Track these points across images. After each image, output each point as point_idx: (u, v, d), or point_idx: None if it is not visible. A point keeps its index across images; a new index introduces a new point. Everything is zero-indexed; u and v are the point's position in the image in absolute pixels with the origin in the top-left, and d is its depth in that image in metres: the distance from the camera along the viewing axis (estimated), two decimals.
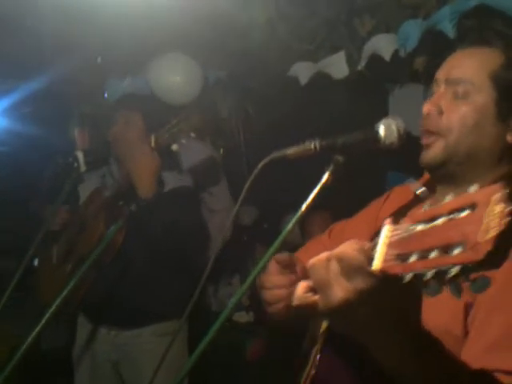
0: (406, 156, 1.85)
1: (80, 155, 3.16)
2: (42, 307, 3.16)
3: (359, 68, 3.23)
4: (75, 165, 3.15)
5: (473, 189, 0.93)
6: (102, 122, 3.50)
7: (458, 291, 0.95)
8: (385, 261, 1.02)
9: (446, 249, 0.91)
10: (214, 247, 3.47)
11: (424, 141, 1.62)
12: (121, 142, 3.18)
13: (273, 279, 1.61)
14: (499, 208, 0.87)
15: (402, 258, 0.99)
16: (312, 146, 1.64)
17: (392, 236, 1.04)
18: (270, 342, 4.00)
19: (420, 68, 2.99)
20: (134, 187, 3.00)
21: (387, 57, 3.06)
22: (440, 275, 0.92)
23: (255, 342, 4.20)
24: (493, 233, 0.86)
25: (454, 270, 0.90)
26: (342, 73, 3.34)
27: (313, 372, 1.53)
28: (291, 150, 1.64)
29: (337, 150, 1.65)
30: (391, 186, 1.97)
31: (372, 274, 1.03)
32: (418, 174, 1.84)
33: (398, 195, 1.82)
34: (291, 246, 1.81)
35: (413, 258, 0.96)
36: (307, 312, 1.18)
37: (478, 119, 1.53)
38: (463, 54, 1.61)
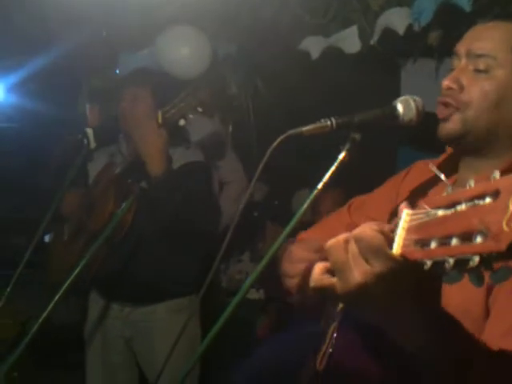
0: (417, 131, 1.82)
1: (90, 132, 3.14)
2: (53, 284, 3.18)
3: (372, 43, 3.19)
4: (85, 142, 3.12)
5: (496, 175, 0.90)
6: (113, 98, 3.46)
7: (478, 280, 0.92)
8: (404, 246, 1.00)
9: (467, 236, 0.89)
10: (226, 221, 3.48)
11: (441, 113, 1.58)
12: (129, 119, 3.16)
13: (295, 253, 1.63)
14: None
15: (422, 243, 0.96)
16: (329, 123, 1.62)
17: (411, 220, 1.01)
18: (280, 318, 4.01)
19: (434, 43, 2.94)
20: (143, 164, 2.98)
21: (401, 31, 3.01)
22: (461, 263, 0.89)
23: (265, 319, 4.21)
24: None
25: (476, 259, 0.87)
26: (354, 47, 3.29)
27: (329, 350, 1.52)
28: (307, 128, 1.61)
29: (353, 128, 1.63)
30: (402, 161, 1.94)
31: (392, 258, 1.01)
32: (429, 150, 1.81)
33: (418, 171, 1.78)
34: (300, 224, 1.79)
35: (433, 245, 0.94)
36: (323, 294, 1.17)
37: (499, 95, 1.50)
38: (485, 27, 1.58)
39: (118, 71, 4.47)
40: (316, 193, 1.63)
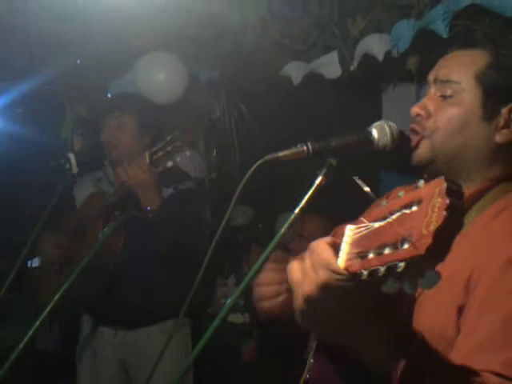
0: (398, 155, 1.85)
1: (72, 157, 3.17)
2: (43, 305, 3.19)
3: (352, 68, 3.23)
4: (67, 166, 3.14)
5: (420, 184, 0.96)
6: (97, 126, 3.49)
7: (410, 287, 0.97)
8: (347, 259, 1.06)
9: (396, 245, 0.95)
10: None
11: (411, 140, 1.63)
12: (115, 147, 3.22)
13: (265, 276, 1.65)
14: (440, 201, 0.91)
15: (362, 255, 1.02)
16: (304, 148, 1.64)
17: (354, 235, 1.08)
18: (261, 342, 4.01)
19: (413, 68, 2.99)
20: (134, 197, 3.02)
21: (380, 57, 3.05)
22: (391, 271, 0.95)
23: (251, 343, 4.21)
24: (433, 227, 0.90)
25: (402, 265, 0.93)
26: (334, 73, 3.33)
27: (307, 376, 1.55)
28: (283, 153, 1.64)
29: (329, 153, 1.66)
30: (384, 185, 1.97)
31: (336, 269, 1.06)
32: (410, 173, 1.84)
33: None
34: (284, 247, 1.82)
35: (370, 255, 1.00)
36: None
37: (463, 119, 1.53)
38: (452, 55, 1.62)
39: (109, 95, 4.49)
40: (294, 217, 1.65)
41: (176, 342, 3.20)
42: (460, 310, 1.36)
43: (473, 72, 1.54)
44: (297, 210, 1.65)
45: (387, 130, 1.66)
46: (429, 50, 2.77)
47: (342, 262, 1.07)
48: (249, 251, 4.79)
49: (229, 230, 4.39)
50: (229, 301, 1.77)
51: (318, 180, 1.65)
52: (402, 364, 1.14)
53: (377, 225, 1.02)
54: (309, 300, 1.09)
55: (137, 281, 3.22)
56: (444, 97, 1.56)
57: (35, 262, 3.71)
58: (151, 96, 3.79)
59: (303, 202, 1.65)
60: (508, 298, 1.31)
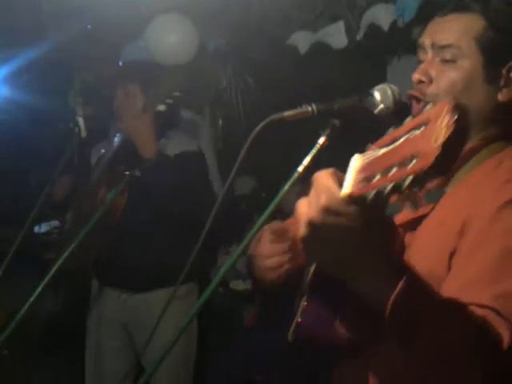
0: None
1: (81, 121, 3.19)
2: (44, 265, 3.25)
3: (358, 38, 3.25)
4: (76, 130, 3.18)
5: (428, 107, 1.01)
6: (105, 91, 3.52)
7: (415, 205, 1.02)
8: (353, 185, 1.09)
9: (403, 164, 0.99)
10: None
11: (413, 107, 1.63)
12: (123, 115, 3.24)
13: (266, 248, 1.70)
14: (447, 118, 0.97)
15: (368, 179, 1.06)
16: (309, 109, 1.69)
17: (361, 162, 1.11)
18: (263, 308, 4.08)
19: (418, 38, 3.00)
20: (135, 152, 3.05)
21: (385, 27, 3.08)
22: (397, 188, 0.99)
23: (252, 309, 4.28)
24: (441, 139, 0.95)
25: (408, 180, 0.98)
26: (341, 43, 3.36)
27: (298, 320, 1.59)
28: (289, 113, 1.68)
29: (333, 114, 1.70)
30: None
31: (337, 194, 1.10)
32: None
33: None
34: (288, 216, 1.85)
35: (376, 178, 1.04)
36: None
37: (466, 82, 1.55)
38: (446, 19, 1.62)
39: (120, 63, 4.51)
40: (296, 176, 1.70)
41: (180, 307, 3.16)
42: (451, 256, 1.41)
43: (471, 35, 1.56)
44: (300, 169, 1.69)
45: (389, 92, 1.69)
46: None
47: (348, 187, 1.10)
48: (252, 221, 4.83)
49: (232, 199, 4.43)
50: (225, 264, 1.79)
51: (322, 140, 1.69)
52: (393, 296, 1.18)
53: (383, 150, 1.07)
54: (311, 226, 1.12)
55: (139, 242, 3.24)
56: (445, 61, 1.57)
57: (43, 228, 3.76)
58: (161, 57, 3.81)
59: (306, 161, 1.69)
60: (503, 236, 1.36)
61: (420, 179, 0.98)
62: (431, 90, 1.58)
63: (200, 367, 3.63)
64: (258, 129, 1.70)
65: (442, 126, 0.97)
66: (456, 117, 0.97)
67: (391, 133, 1.10)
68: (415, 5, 2.85)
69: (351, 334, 1.47)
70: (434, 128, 0.98)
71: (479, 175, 1.51)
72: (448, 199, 1.51)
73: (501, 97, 1.57)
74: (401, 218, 1.52)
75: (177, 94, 3.07)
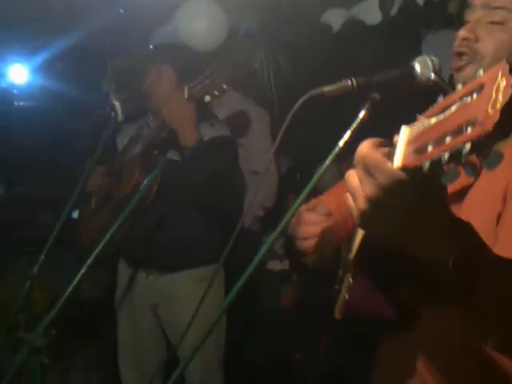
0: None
1: (117, 105, 3.21)
2: (83, 248, 3.28)
3: (392, 14, 3.21)
4: (113, 114, 3.20)
5: (480, 72, 0.98)
6: (137, 76, 3.54)
7: (472, 171, 0.99)
8: (404, 157, 1.06)
9: (458, 131, 0.96)
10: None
11: (455, 64, 1.60)
12: (155, 94, 3.27)
13: (308, 216, 1.69)
14: (504, 82, 0.93)
15: (420, 150, 1.02)
16: (349, 83, 1.67)
17: (410, 134, 1.08)
18: (302, 287, 4.08)
19: (454, 11, 2.96)
20: (171, 136, 3.06)
21: (420, 1, 3.03)
22: (455, 156, 0.96)
23: (289, 289, 4.28)
24: (499, 105, 0.91)
25: (467, 147, 0.94)
26: (375, 19, 3.32)
27: (346, 297, 1.57)
28: (329, 88, 1.67)
29: (373, 87, 1.68)
30: None
31: (391, 169, 1.06)
32: None
33: None
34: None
35: (429, 148, 1.00)
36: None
37: None
38: None
39: (151, 47, 4.52)
40: (337, 151, 1.68)
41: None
42: (498, 218, 1.39)
43: None
44: (341, 143, 1.68)
45: (429, 63, 1.67)
46: None
47: (399, 160, 1.07)
48: (287, 202, 4.82)
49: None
50: (264, 246, 1.78)
51: (362, 114, 1.68)
52: (455, 254, 1.16)
53: (434, 120, 1.03)
54: (370, 203, 1.10)
55: (170, 224, 3.26)
56: (493, 22, 1.54)
57: (75, 214, 3.80)
58: (191, 42, 3.82)
59: (347, 135, 1.68)
60: None
61: (478, 146, 0.95)
62: (477, 47, 1.55)
63: (238, 348, 3.65)
64: (297, 105, 1.69)
65: (498, 90, 0.93)
66: (510, 80, 0.94)
67: (441, 102, 1.06)
68: None
69: (403, 305, 1.46)
70: (489, 93, 0.95)
71: None
72: (499, 168, 1.48)
73: None
74: (457, 187, 1.51)
75: (225, 87, 3.04)
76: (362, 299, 1.53)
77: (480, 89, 0.97)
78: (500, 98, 0.92)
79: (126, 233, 3.09)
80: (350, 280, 1.58)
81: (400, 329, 1.54)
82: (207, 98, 3.01)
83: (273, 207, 4.17)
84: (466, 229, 1.19)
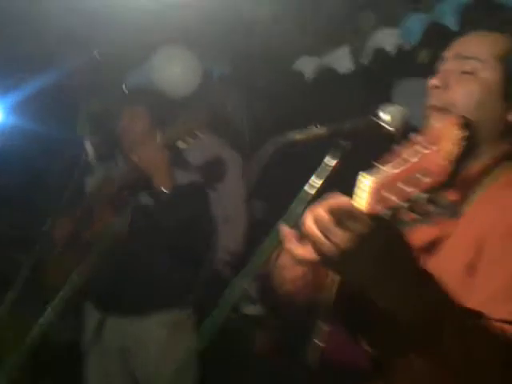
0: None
1: (88, 144, 3.23)
2: (50, 287, 3.24)
3: (365, 62, 3.27)
4: (84, 155, 3.21)
5: (437, 125, 1.05)
6: (111, 118, 3.56)
7: (428, 219, 1.05)
8: (368, 205, 1.11)
9: (418, 180, 1.04)
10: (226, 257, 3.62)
11: (431, 117, 1.62)
12: (127, 136, 3.29)
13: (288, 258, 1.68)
14: (457, 134, 1.03)
15: (383, 198, 1.09)
16: (320, 130, 1.70)
17: (372, 182, 1.13)
18: (278, 333, 4.06)
19: (425, 61, 3.03)
20: (144, 179, 3.07)
21: (392, 51, 3.10)
22: (415, 205, 1.04)
23: (264, 334, 4.25)
24: (453, 156, 1.01)
25: (424, 197, 1.02)
26: (346, 67, 3.38)
27: (321, 344, 1.59)
28: (299, 135, 1.70)
29: (343, 135, 1.70)
30: None
31: (367, 216, 1.11)
32: None
33: None
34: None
35: (393, 197, 1.07)
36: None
37: (483, 95, 1.56)
38: (476, 35, 1.65)
39: (124, 87, 4.54)
40: (305, 196, 1.70)
41: (177, 333, 3.23)
42: (469, 268, 1.43)
43: (496, 52, 1.57)
44: (312, 191, 1.69)
45: (398, 114, 1.70)
46: (440, 43, 2.82)
47: (367, 208, 1.12)
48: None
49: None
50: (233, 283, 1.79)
51: (333, 163, 1.69)
52: (421, 306, 1.20)
53: (393, 168, 1.10)
54: (344, 251, 1.13)
55: (140, 268, 3.24)
56: (464, 72, 1.58)
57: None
58: (166, 88, 3.86)
59: (318, 183, 1.69)
60: None
61: (433, 195, 1.02)
62: (447, 96, 1.59)
63: None
64: (268, 152, 1.71)
65: (451, 142, 1.01)
66: (465, 134, 1.00)
67: (399, 151, 1.12)
68: (420, 28, 2.87)
69: (377, 352, 1.47)
70: (444, 145, 1.02)
71: (493, 194, 1.52)
72: (465, 219, 1.52)
73: (511, 117, 1.57)
74: (420, 238, 1.54)
75: (198, 133, 3.07)
76: (336, 347, 1.54)
77: (436, 141, 1.05)
78: (454, 150, 1.00)
79: (93, 275, 3.08)
80: (325, 327, 1.60)
81: (375, 377, 1.56)
82: (180, 144, 3.04)
83: (242, 251, 4.16)
84: (431, 283, 1.22)
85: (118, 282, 3.24)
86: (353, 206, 1.13)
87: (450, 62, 1.63)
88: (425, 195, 1.02)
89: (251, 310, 4.35)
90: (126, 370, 3.38)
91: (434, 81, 1.63)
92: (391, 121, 1.69)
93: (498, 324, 1.28)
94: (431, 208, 1.03)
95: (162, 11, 3.59)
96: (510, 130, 1.59)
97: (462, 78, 1.59)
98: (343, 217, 1.12)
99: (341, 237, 1.12)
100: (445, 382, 1.31)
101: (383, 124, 1.70)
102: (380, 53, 3.21)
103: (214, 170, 4.02)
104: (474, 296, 1.38)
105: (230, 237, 4.01)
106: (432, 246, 1.52)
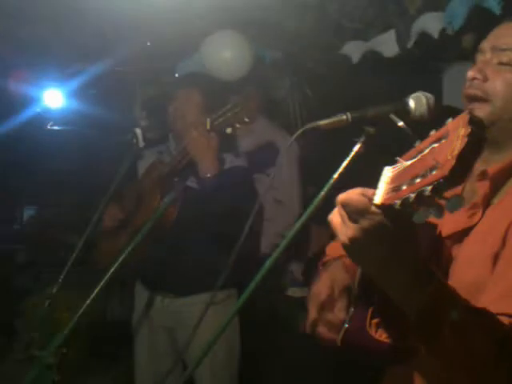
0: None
1: (138, 131, 3.29)
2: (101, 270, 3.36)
3: (408, 46, 3.27)
4: (134, 141, 3.29)
5: (448, 121, 1.08)
6: (165, 102, 3.64)
7: (438, 212, 1.08)
8: (383, 196, 1.18)
9: (426, 173, 1.08)
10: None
11: (468, 106, 1.63)
12: (180, 119, 3.32)
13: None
14: (463, 130, 1.06)
15: (396, 189, 1.14)
16: (344, 117, 1.73)
17: (390, 174, 1.21)
18: None
19: (468, 46, 3.01)
20: (193, 164, 3.14)
21: (435, 35, 3.08)
22: (421, 197, 1.07)
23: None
24: (456, 151, 1.04)
25: (429, 189, 1.05)
26: (392, 51, 3.38)
27: (346, 325, 1.63)
28: (324, 121, 1.73)
29: (368, 122, 1.73)
30: None
31: (375, 213, 1.18)
32: None
33: None
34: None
35: (403, 187, 1.12)
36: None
37: None
38: (509, 25, 1.64)
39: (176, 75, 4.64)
40: (332, 182, 1.74)
41: (219, 311, 3.16)
42: (495, 260, 1.44)
43: None
44: (335, 175, 1.73)
45: (424, 100, 1.71)
46: (483, 27, 2.79)
47: (379, 198, 1.19)
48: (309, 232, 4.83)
49: None
50: (269, 260, 1.84)
51: (357, 147, 1.73)
52: (425, 298, 1.24)
53: (410, 162, 1.16)
54: (352, 242, 1.22)
55: (187, 249, 3.31)
56: (502, 63, 1.59)
57: None
58: (218, 72, 3.92)
59: (342, 167, 1.73)
60: None
61: (439, 188, 1.05)
62: (488, 87, 1.59)
63: (254, 371, 3.68)
64: (293, 137, 1.76)
65: (458, 137, 1.05)
66: (469, 130, 1.03)
67: (417, 145, 1.20)
68: (464, 12, 2.85)
69: (392, 340, 1.51)
70: (451, 140, 1.07)
71: None
72: (494, 210, 1.53)
73: None
74: (449, 226, 1.57)
75: (247, 120, 3.12)
76: (359, 329, 1.59)
77: (446, 136, 1.09)
78: (458, 145, 1.03)
79: (143, 256, 3.17)
80: (352, 309, 1.65)
81: (396, 362, 1.60)
82: (229, 130, 3.07)
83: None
84: (433, 279, 1.26)
85: (165, 262, 3.33)
86: (361, 201, 1.20)
87: (487, 54, 1.63)
88: (429, 187, 1.05)
89: (296, 292, 4.40)
90: (173, 348, 3.47)
91: (471, 72, 1.63)
92: (415, 108, 1.72)
93: (505, 319, 1.31)
94: (436, 201, 1.07)
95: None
96: None
97: (500, 69, 1.59)
98: (353, 211, 1.21)
99: (350, 229, 1.21)
100: (449, 374, 1.35)
101: (409, 110, 1.73)
102: (424, 37, 3.20)
103: (266, 155, 4.07)
104: (490, 289, 1.40)
105: (282, 221, 4.05)
106: (461, 235, 1.55)
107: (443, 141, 1.10)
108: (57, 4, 3.85)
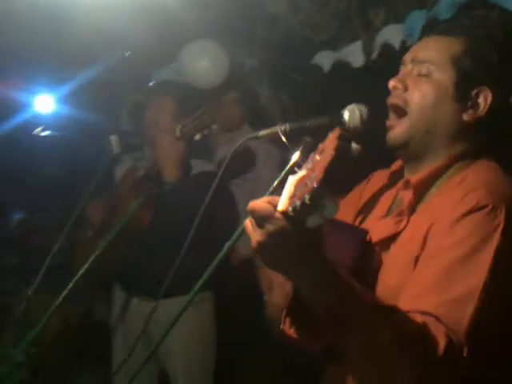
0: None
1: (114, 138, 3.39)
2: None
3: (373, 57, 3.38)
4: (109, 147, 3.39)
5: (329, 134, 1.22)
6: (143, 110, 3.74)
7: (318, 218, 1.22)
8: (284, 203, 1.30)
9: (307, 183, 1.22)
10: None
11: (388, 123, 1.77)
12: (154, 126, 3.42)
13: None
14: (332, 145, 1.22)
15: (292, 197, 1.26)
16: (282, 128, 1.85)
17: (293, 182, 1.32)
18: None
19: None
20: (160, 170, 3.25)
21: (397, 46, 3.20)
22: (303, 204, 1.20)
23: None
24: (325, 164, 1.19)
25: (307, 197, 1.19)
26: (359, 61, 3.50)
27: (281, 326, 1.77)
28: (263, 132, 1.85)
29: (305, 133, 1.84)
30: None
31: (278, 218, 1.29)
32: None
33: (377, 178, 1.99)
34: None
35: (296, 195, 1.25)
36: None
37: (437, 96, 1.68)
38: (430, 39, 1.79)
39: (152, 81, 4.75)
40: (271, 189, 1.86)
41: (194, 315, 3.30)
42: (416, 261, 1.56)
43: (449, 56, 1.70)
44: (274, 183, 1.85)
45: (357, 112, 1.83)
46: None
47: (281, 205, 1.30)
48: None
49: None
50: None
51: (296, 157, 1.83)
52: (330, 298, 1.35)
53: (305, 171, 1.29)
54: (260, 246, 1.33)
55: (162, 252, 3.36)
56: (420, 75, 1.71)
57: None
58: (193, 81, 4.02)
59: (282, 174, 1.85)
60: (453, 248, 1.49)
61: (315, 197, 1.18)
62: (405, 96, 1.72)
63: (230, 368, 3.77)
64: (235, 147, 1.88)
65: (328, 152, 1.19)
66: (336, 145, 1.16)
67: (311, 157, 1.33)
68: (421, 24, 2.96)
69: (303, 337, 1.64)
70: (325, 153, 1.22)
71: (444, 192, 1.65)
72: (417, 217, 1.66)
73: (466, 117, 1.69)
74: (377, 233, 1.69)
75: (215, 126, 3.22)
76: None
77: (322, 150, 1.26)
78: (327, 159, 1.18)
79: (118, 258, 3.28)
80: (285, 310, 1.76)
81: (330, 361, 1.72)
82: (197, 137, 3.18)
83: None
84: (337, 279, 1.36)
85: (141, 265, 3.42)
86: (266, 208, 1.31)
87: (408, 66, 1.77)
88: (307, 196, 1.18)
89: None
90: (148, 349, 3.56)
91: (392, 82, 1.77)
92: (349, 119, 1.83)
93: (418, 316, 1.40)
94: (313, 209, 1.20)
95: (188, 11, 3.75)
96: (465, 131, 1.70)
97: (419, 80, 1.71)
98: (260, 217, 1.32)
99: (258, 234, 1.33)
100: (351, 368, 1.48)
101: (343, 122, 1.83)
102: (386, 48, 3.31)
103: (243, 161, 4.15)
104: (407, 290, 1.51)
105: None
106: (388, 241, 1.67)
107: (322, 153, 1.24)
108: (47, 13, 3.95)
